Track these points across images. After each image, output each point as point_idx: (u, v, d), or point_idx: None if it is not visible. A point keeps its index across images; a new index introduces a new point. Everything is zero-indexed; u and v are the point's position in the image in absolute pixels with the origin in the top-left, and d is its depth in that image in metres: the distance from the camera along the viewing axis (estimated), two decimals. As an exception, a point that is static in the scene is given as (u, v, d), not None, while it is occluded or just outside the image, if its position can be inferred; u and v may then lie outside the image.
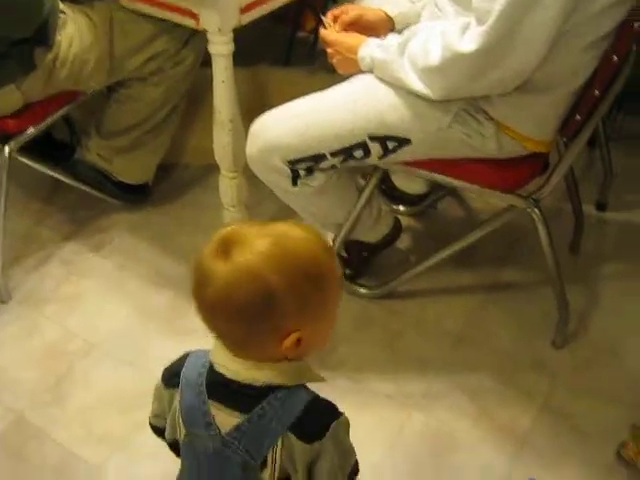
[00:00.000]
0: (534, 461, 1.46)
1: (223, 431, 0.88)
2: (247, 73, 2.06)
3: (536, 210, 1.52)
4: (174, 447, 1.01)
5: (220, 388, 0.89)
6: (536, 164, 1.51)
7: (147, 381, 1.05)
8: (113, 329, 1.73)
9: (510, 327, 1.73)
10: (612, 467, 1.45)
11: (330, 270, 0.85)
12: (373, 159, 1.47)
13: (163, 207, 2.09)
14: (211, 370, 0.90)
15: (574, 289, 1.74)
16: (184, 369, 0.94)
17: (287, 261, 0.81)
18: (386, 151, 1.45)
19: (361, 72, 1.47)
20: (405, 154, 1.46)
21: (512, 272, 1.89)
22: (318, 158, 1.46)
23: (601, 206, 2.07)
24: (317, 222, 1.68)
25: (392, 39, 1.41)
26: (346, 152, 1.45)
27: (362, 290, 1.80)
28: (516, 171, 1.50)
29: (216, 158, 1.72)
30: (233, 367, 0.87)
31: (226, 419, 0.88)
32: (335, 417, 0.88)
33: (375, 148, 1.44)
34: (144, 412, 1.04)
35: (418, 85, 1.35)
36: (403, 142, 1.43)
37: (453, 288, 1.84)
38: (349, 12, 1.54)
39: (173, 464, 1.02)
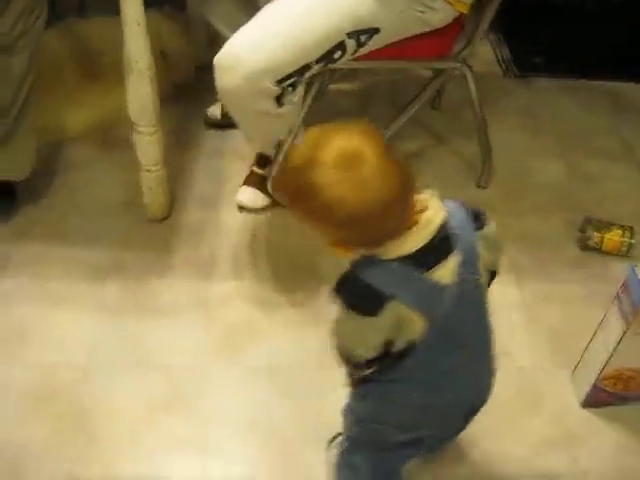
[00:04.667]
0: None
1: (450, 279, 0.95)
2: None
3: (466, 67, 1.69)
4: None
5: (424, 255, 0.94)
6: (457, 27, 1.65)
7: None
8: (87, 341, 1.52)
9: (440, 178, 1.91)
10: (580, 258, 1.76)
11: None
12: (347, 56, 1.48)
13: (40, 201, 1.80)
14: (403, 260, 0.93)
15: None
16: (385, 284, 0.93)
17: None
18: (359, 45, 1.46)
19: None
20: (373, 44, 1.49)
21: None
22: (305, 69, 1.42)
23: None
24: (266, 143, 1.66)
25: None
26: (328, 56, 1.44)
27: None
28: (448, 36, 1.63)
29: (131, 115, 1.59)
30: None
31: (442, 270, 0.94)
32: None
33: (350, 44, 1.45)
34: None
35: None
36: (373, 32, 1.46)
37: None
38: None
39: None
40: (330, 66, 1.48)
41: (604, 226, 1.74)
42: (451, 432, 1.24)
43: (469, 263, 0.97)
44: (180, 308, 1.59)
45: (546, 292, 1.67)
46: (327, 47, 1.43)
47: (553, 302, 1.65)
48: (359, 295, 0.95)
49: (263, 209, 1.76)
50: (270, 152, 1.69)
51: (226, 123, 1.91)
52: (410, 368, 1.00)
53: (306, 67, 1.43)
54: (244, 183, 1.79)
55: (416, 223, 0.93)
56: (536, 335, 1.58)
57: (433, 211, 0.95)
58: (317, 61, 1.43)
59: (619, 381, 1.40)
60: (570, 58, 2.35)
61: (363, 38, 1.46)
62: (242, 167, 1.80)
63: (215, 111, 2.03)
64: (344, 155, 0.88)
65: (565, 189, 1.94)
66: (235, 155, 1.95)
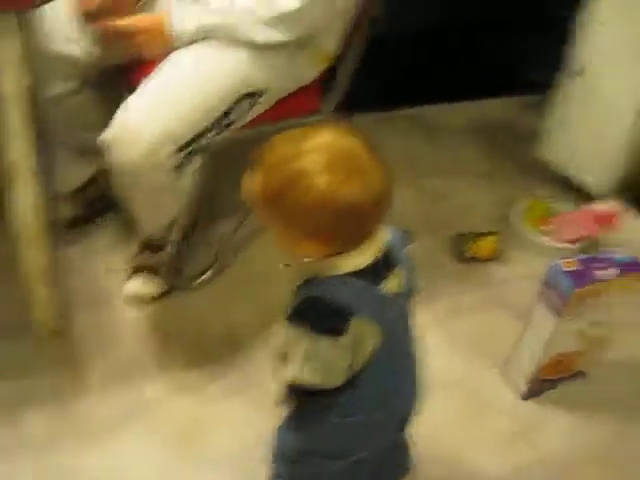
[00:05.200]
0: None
1: (398, 290, 1.00)
2: None
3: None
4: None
5: (375, 269, 0.96)
6: (320, 81, 1.73)
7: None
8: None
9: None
10: (463, 270, 1.94)
11: None
12: (242, 119, 1.50)
13: None
14: (358, 274, 0.95)
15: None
16: (348, 300, 0.94)
17: None
18: (251, 105, 1.49)
19: (176, 48, 1.44)
20: (262, 105, 1.52)
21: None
22: (203, 134, 1.42)
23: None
24: (157, 225, 1.61)
25: (213, 2, 1.43)
26: (224, 118, 1.45)
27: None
28: (314, 91, 1.70)
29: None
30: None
31: (391, 282, 0.98)
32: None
33: (244, 105, 1.47)
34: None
35: (268, 34, 1.42)
36: (263, 92, 1.50)
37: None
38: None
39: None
40: (224, 132, 1.48)
41: (475, 236, 1.93)
42: (382, 449, 1.17)
43: (406, 276, 1.02)
44: (115, 426, 1.47)
45: (448, 307, 1.81)
46: (223, 109, 1.44)
47: (458, 314, 1.80)
48: (325, 314, 0.93)
49: (157, 296, 1.70)
50: (159, 236, 1.64)
51: (84, 218, 1.83)
52: (359, 386, 1.00)
53: (205, 131, 1.43)
54: (132, 273, 1.71)
55: (371, 235, 0.96)
56: (458, 346, 1.71)
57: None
58: (214, 125, 1.44)
59: (552, 367, 1.57)
60: (378, 90, 2.53)
61: (254, 99, 1.49)
62: (121, 259, 1.74)
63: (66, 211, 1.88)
64: (336, 146, 0.90)
65: (423, 211, 2.10)
66: (110, 249, 1.84)
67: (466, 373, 1.65)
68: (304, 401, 1.04)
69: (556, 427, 1.56)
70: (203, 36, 1.43)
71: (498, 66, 2.49)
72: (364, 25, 1.64)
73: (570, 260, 1.48)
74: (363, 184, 0.89)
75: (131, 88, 1.45)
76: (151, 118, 1.35)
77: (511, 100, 2.56)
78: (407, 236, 1.07)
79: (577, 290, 1.42)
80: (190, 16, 1.43)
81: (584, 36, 1.97)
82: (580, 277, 1.44)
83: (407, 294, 1.04)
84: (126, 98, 1.41)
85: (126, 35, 1.41)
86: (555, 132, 2.12)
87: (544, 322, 1.51)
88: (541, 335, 1.52)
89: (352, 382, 0.99)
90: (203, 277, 1.76)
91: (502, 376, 1.64)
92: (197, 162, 1.47)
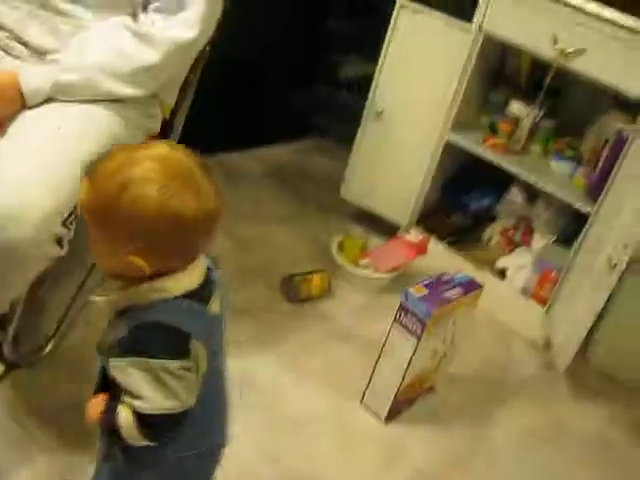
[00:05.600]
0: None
1: (218, 311, 1.00)
2: None
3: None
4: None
5: (201, 291, 0.96)
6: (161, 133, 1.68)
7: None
8: None
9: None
10: (298, 310, 1.99)
11: None
12: None
13: None
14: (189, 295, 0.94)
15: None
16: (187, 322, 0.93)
17: None
18: None
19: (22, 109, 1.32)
20: None
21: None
22: None
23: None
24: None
25: (62, 59, 1.33)
26: None
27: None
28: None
29: None
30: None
31: (214, 304, 0.98)
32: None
33: None
34: None
35: (128, 89, 1.36)
36: None
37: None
38: None
39: None
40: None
41: (304, 277, 2.00)
42: None
43: (222, 298, 1.02)
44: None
45: (294, 347, 1.85)
46: None
47: (306, 353, 1.84)
48: (170, 337, 0.91)
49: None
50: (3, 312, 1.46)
51: None
52: (193, 412, 0.96)
53: None
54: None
55: (198, 256, 0.96)
56: (314, 383, 1.75)
57: None
58: None
59: (410, 388, 1.68)
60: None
61: None
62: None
63: None
64: (172, 158, 0.90)
65: (243, 257, 2.12)
66: None
67: (328, 408, 1.70)
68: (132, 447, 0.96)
69: (420, 440, 1.67)
70: (59, 94, 1.32)
71: (290, 113, 2.61)
72: (196, 75, 1.64)
73: (418, 286, 1.61)
74: (197, 198, 0.88)
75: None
76: (39, 186, 1.19)
77: (302, 144, 2.70)
78: (215, 261, 1.05)
79: (434, 312, 1.55)
80: (42, 75, 1.31)
81: (383, 80, 2.16)
82: (433, 300, 1.57)
83: (222, 315, 1.02)
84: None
85: None
86: (358, 171, 2.28)
87: (402, 347, 1.61)
88: (400, 359, 1.62)
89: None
90: (46, 350, 1.59)
91: (362, 405, 1.72)
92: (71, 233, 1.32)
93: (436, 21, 2.05)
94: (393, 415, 1.70)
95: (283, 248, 2.21)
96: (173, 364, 0.90)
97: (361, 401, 1.72)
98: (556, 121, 2.14)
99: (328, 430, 1.64)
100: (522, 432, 1.77)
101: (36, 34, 1.39)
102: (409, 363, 1.61)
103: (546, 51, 1.89)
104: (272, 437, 1.57)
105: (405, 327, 1.60)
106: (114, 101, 1.37)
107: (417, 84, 2.13)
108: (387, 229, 2.27)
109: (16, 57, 1.41)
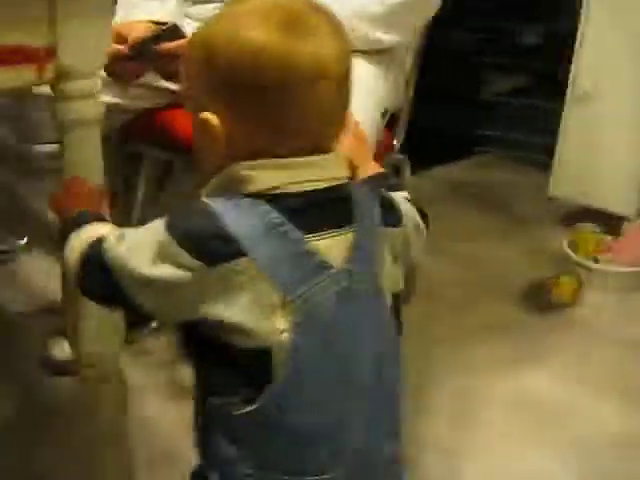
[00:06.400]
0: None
1: (338, 261, 0.66)
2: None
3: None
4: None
5: (312, 208, 0.65)
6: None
7: None
8: None
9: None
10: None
11: None
12: None
13: None
14: (282, 201, 0.64)
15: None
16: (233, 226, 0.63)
17: None
18: None
19: None
20: None
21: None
22: None
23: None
24: None
25: None
26: None
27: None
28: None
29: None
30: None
31: (329, 242, 0.65)
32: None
33: None
34: None
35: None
36: None
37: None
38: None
39: None
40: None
41: (554, 280, 1.81)
42: None
43: (366, 251, 0.68)
44: None
45: (565, 362, 1.63)
46: None
47: (582, 364, 1.61)
48: (207, 233, 0.62)
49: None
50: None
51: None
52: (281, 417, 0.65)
53: None
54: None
55: (330, 151, 0.67)
56: (612, 398, 1.51)
57: (361, 160, 0.74)
58: None
59: None
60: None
61: None
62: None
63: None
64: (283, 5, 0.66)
65: (469, 279, 1.92)
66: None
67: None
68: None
69: None
70: None
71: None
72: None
73: None
74: (323, 53, 0.64)
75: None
76: None
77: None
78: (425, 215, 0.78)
79: None
80: None
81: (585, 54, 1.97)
82: None
83: (364, 280, 0.67)
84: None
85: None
86: (567, 163, 2.07)
87: None
88: None
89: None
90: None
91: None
92: None
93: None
94: None
95: (506, 262, 2.00)
96: (176, 249, 0.62)
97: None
98: None
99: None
100: None
101: None
102: None
103: None
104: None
105: None
106: None
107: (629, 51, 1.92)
108: (607, 222, 2.03)
109: None
